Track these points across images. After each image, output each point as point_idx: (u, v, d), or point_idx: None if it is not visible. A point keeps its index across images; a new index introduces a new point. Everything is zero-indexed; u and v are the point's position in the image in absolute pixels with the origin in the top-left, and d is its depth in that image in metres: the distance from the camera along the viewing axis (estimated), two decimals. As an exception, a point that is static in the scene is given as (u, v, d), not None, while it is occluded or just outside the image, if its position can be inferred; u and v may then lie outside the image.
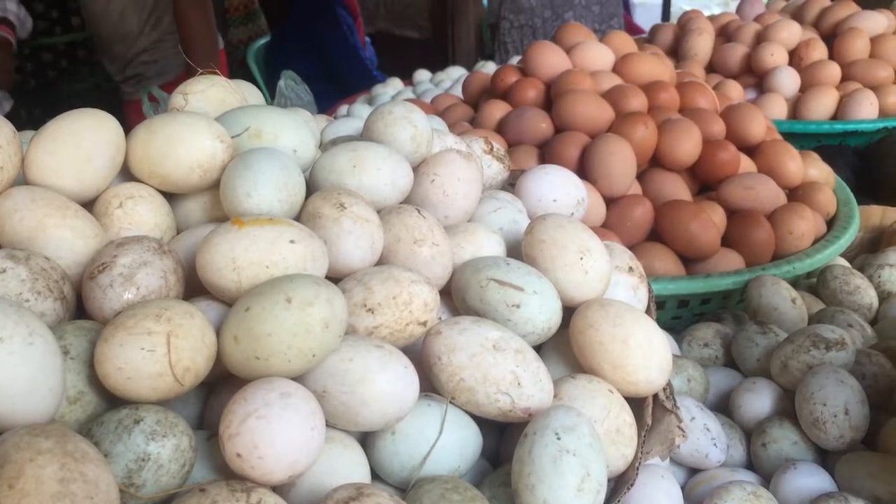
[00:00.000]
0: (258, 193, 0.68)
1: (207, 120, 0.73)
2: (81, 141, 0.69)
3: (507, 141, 1.35)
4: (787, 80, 1.88)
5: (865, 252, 1.46)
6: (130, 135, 0.73)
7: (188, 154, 0.71)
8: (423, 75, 2.53)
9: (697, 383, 0.98)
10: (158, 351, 0.55)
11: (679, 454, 0.89)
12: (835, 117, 1.84)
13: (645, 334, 0.71)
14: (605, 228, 1.19)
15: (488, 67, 2.24)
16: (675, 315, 1.19)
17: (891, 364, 0.97)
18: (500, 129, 1.38)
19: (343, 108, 2.22)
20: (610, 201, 1.21)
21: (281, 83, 2.11)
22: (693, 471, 0.91)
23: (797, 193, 1.34)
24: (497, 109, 1.41)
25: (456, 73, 2.44)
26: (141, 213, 0.71)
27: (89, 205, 0.71)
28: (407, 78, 2.53)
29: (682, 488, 0.88)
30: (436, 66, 2.59)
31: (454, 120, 1.48)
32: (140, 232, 0.70)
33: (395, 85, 2.48)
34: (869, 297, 1.18)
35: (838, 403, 0.85)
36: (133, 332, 0.55)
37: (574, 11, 2.80)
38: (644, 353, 0.70)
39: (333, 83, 2.87)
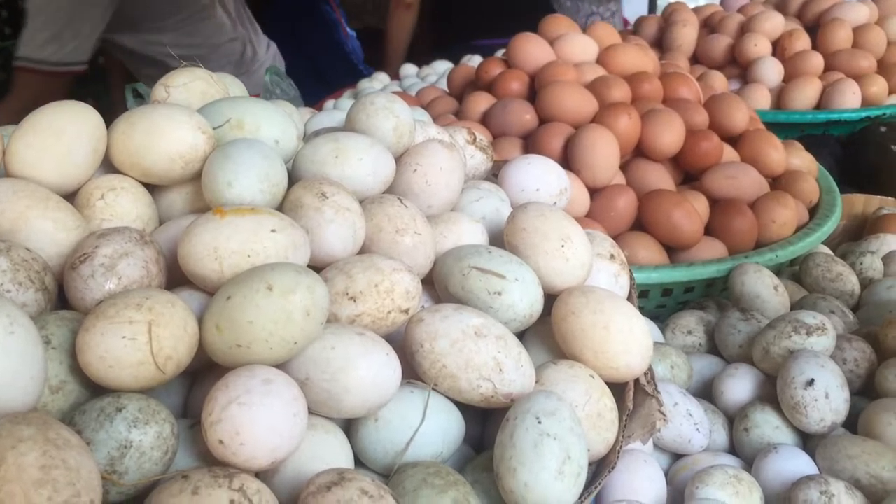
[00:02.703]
0: (239, 183, 0.68)
1: (188, 111, 0.73)
2: (62, 133, 0.69)
3: (492, 132, 1.35)
4: (771, 71, 1.89)
5: (848, 240, 1.48)
6: (111, 127, 0.73)
7: (169, 145, 0.71)
8: (409, 69, 2.53)
9: (681, 370, 0.99)
10: (140, 339, 0.55)
11: (662, 439, 0.89)
12: (818, 107, 1.86)
13: (626, 320, 0.72)
14: (590, 218, 1.19)
15: (474, 61, 2.24)
16: (659, 303, 1.20)
17: (871, 349, 0.98)
18: (485, 120, 1.38)
19: (329, 103, 2.22)
20: (594, 191, 1.22)
21: (266, 78, 2.10)
22: (676, 456, 0.92)
23: (780, 182, 1.35)
24: (481, 101, 1.41)
25: (442, 67, 2.44)
26: (123, 205, 0.71)
27: (71, 197, 0.71)
28: (395, 73, 2.53)
29: (666, 473, 0.89)
30: (424, 61, 2.59)
31: (439, 112, 1.49)
32: (122, 223, 0.70)
33: (381, 79, 2.48)
34: (851, 283, 1.19)
35: (819, 387, 0.86)
36: (114, 322, 0.55)
37: None
38: (625, 338, 0.71)
39: (319, 79, 2.86)
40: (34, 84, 2.11)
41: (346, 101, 2.08)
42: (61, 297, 0.65)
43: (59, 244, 0.65)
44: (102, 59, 4.25)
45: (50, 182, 0.69)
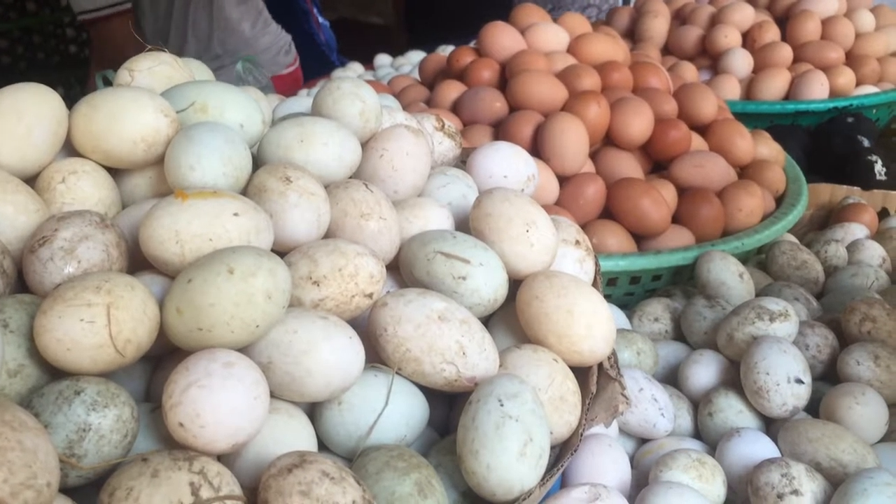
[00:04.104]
0: (202, 167, 0.68)
1: (151, 94, 0.72)
2: (22, 115, 0.68)
3: (463, 120, 1.36)
4: (741, 62, 1.91)
5: (815, 229, 1.50)
6: (73, 109, 0.72)
7: (131, 128, 0.70)
8: (383, 59, 2.52)
9: (647, 356, 1.00)
10: (98, 322, 0.54)
11: (628, 424, 0.90)
12: (787, 98, 1.88)
13: (590, 305, 0.72)
14: (559, 206, 1.20)
15: (446, 50, 2.23)
16: (627, 291, 1.21)
17: (833, 335, 0.99)
18: (456, 108, 1.38)
19: (303, 92, 2.21)
20: (563, 179, 1.22)
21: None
22: (642, 440, 0.93)
23: (747, 171, 1.37)
24: (452, 89, 1.41)
25: (416, 57, 2.44)
26: (84, 189, 0.70)
27: (31, 180, 0.70)
28: (369, 63, 2.52)
29: (632, 458, 0.90)
30: (399, 51, 2.58)
31: (410, 100, 1.48)
32: (83, 207, 0.69)
33: (355, 69, 2.47)
34: (815, 271, 1.21)
35: (780, 372, 0.87)
36: (72, 304, 0.54)
37: None
38: (588, 323, 0.71)
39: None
40: (110, 31, 2.17)
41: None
42: (21, 281, 0.64)
43: (18, 228, 0.65)
44: (74, 48, 4.21)
45: (9, 165, 0.68)
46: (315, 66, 2.76)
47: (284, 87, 2.55)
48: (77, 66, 4.28)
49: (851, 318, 0.99)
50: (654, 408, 0.89)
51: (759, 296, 1.12)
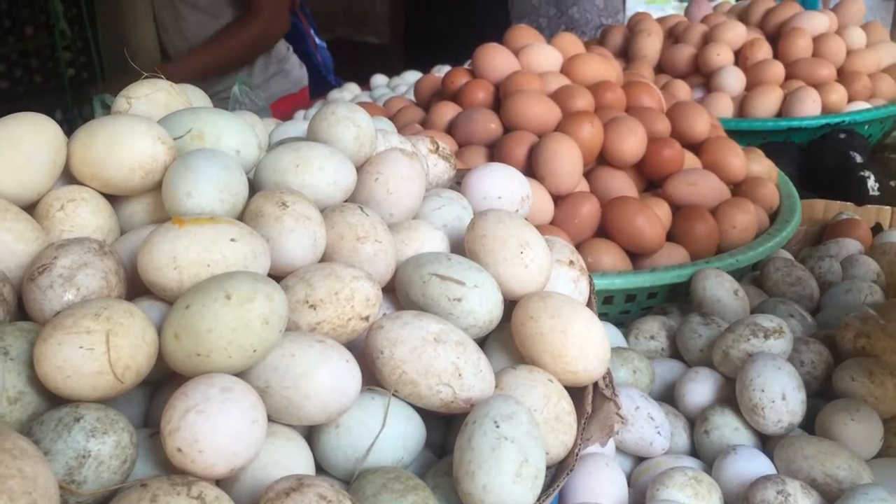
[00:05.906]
0: (199, 193, 0.68)
1: (148, 122, 0.73)
2: (20, 143, 0.69)
3: (458, 141, 1.37)
4: (733, 79, 1.92)
5: (809, 244, 1.50)
6: (71, 137, 0.73)
7: (129, 156, 0.71)
8: (379, 80, 2.54)
9: (643, 374, 1.00)
10: (97, 349, 0.55)
11: (624, 443, 0.91)
12: (779, 115, 1.89)
13: (584, 325, 0.73)
14: (554, 226, 1.21)
15: (441, 71, 2.25)
16: (623, 309, 1.21)
17: (828, 351, 1.00)
18: (451, 129, 1.39)
19: (299, 114, 2.22)
20: (557, 199, 1.23)
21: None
22: (639, 459, 0.93)
23: (740, 188, 1.37)
24: (447, 111, 1.42)
25: (412, 77, 2.46)
26: (83, 216, 0.71)
27: (30, 208, 0.71)
28: (366, 83, 2.54)
29: (629, 476, 0.91)
30: (396, 71, 2.60)
31: (405, 122, 1.50)
32: (82, 234, 0.70)
33: (351, 90, 2.49)
34: (810, 287, 1.21)
35: (776, 389, 0.87)
36: (71, 331, 0.55)
37: (578, 6, 2.78)
38: (582, 343, 0.72)
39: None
40: None
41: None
42: (21, 309, 0.65)
43: (17, 256, 0.65)
44: (72, 72, 4.23)
45: (8, 193, 0.69)
46: (312, 86, 2.77)
47: (303, 98, 2.63)
48: (74, 89, 4.30)
49: (846, 334, 0.99)
50: (650, 426, 0.90)
51: (754, 312, 1.13)
